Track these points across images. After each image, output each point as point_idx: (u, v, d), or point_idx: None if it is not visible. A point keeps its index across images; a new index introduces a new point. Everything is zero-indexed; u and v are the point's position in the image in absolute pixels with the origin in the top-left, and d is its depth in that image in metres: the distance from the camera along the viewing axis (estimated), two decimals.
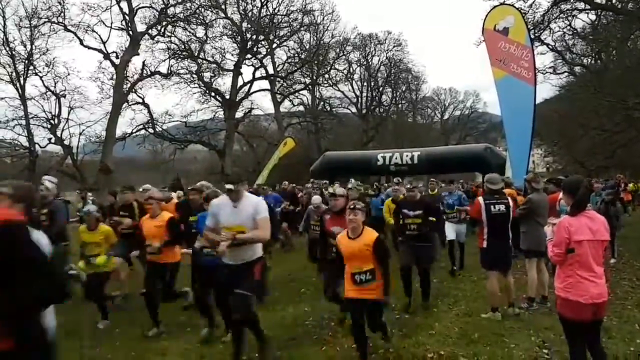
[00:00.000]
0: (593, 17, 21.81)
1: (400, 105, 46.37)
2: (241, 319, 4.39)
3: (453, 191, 9.45)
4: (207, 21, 29.53)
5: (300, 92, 37.20)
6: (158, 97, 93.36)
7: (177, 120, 30.88)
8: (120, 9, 26.29)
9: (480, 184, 17.54)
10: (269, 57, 34.74)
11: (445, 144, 38.42)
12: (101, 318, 6.11)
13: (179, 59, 29.77)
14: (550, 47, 23.32)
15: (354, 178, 19.92)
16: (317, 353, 4.89)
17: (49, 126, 26.16)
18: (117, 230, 6.76)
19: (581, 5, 19.52)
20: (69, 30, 25.70)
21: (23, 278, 2.06)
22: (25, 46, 25.26)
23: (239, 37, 31.36)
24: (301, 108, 38.62)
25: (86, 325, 5.76)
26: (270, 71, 34.98)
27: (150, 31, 27.76)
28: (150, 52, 28.76)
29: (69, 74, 26.14)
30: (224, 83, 37.50)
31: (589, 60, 25.82)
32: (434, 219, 6.52)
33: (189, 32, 29.36)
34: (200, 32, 29.63)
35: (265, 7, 32.18)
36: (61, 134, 26.38)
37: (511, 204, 5.95)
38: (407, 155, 19.26)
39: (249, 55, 32.54)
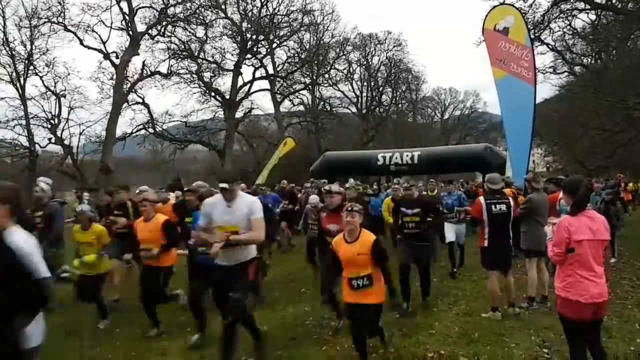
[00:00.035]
0: (593, 17, 21.83)
1: (400, 105, 46.36)
2: (235, 320, 4.29)
3: (452, 191, 9.39)
4: (207, 21, 29.56)
5: (300, 92, 37.25)
6: (158, 97, 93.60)
7: (177, 120, 30.93)
8: (120, 9, 26.32)
9: (480, 184, 17.58)
10: (269, 57, 34.76)
11: (446, 144, 38.46)
12: (101, 318, 6.08)
13: (179, 59, 29.79)
14: (550, 47, 23.36)
15: (354, 178, 20.00)
16: (317, 353, 4.89)
17: (49, 126, 26.17)
18: (111, 230, 6.69)
19: (581, 5, 19.52)
20: (69, 30, 25.73)
21: None
22: (25, 46, 25.30)
23: (239, 37, 31.37)
24: (301, 108, 38.66)
25: (86, 325, 5.75)
26: (270, 71, 35.00)
27: (150, 31, 27.77)
28: (150, 52, 28.83)
29: (69, 74, 26.20)
30: (224, 83, 37.67)
31: (589, 60, 25.82)
32: (432, 217, 6.50)
33: (189, 32, 29.41)
34: (200, 32, 29.69)
35: (265, 7, 32.23)
36: (61, 134, 26.42)
37: (512, 203, 5.95)
38: (407, 155, 19.27)
39: (249, 55, 32.55)
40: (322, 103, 38.64)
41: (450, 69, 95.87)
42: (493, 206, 5.80)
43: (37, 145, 25.98)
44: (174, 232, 5.85)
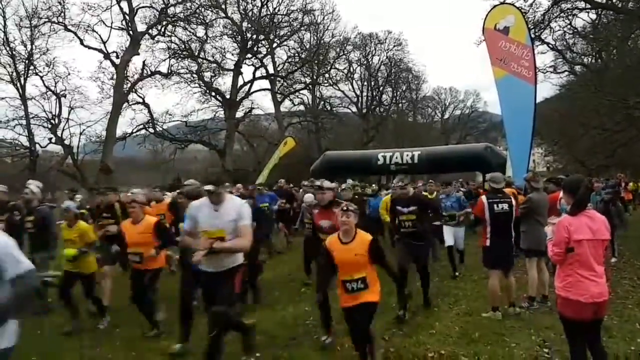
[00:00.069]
0: (593, 16, 21.84)
1: (400, 105, 46.38)
2: (219, 333, 4.07)
3: (450, 193, 8.97)
4: (207, 21, 29.61)
5: (301, 91, 37.30)
6: (158, 97, 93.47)
7: (178, 120, 31.01)
8: (121, 8, 26.37)
9: (481, 184, 17.58)
10: (269, 56, 34.80)
11: (446, 144, 38.43)
12: (100, 317, 6.05)
13: (179, 59, 29.87)
14: (550, 46, 23.38)
15: (354, 177, 20.02)
16: (317, 353, 4.89)
17: (49, 126, 26.23)
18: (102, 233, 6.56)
19: (581, 4, 19.54)
20: (69, 30, 25.81)
21: None
22: (25, 46, 25.40)
23: (239, 37, 31.39)
24: (301, 107, 38.71)
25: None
26: (271, 71, 35.05)
27: (150, 31, 27.81)
28: (150, 51, 28.91)
29: (69, 74, 26.34)
30: (224, 83, 37.60)
31: (590, 59, 25.83)
32: (431, 215, 6.44)
33: (189, 31, 29.49)
34: (200, 31, 29.75)
35: (265, 6, 32.28)
36: (61, 134, 26.49)
37: (514, 203, 5.94)
38: (407, 155, 19.30)
39: (249, 55, 32.60)
40: (322, 103, 38.68)
41: (450, 69, 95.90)
42: (495, 205, 5.80)
43: (37, 145, 26.13)
44: (167, 232, 5.77)
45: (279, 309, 6.61)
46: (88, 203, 9.89)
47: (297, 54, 35.74)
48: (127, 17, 26.60)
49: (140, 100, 28.70)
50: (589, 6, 19.69)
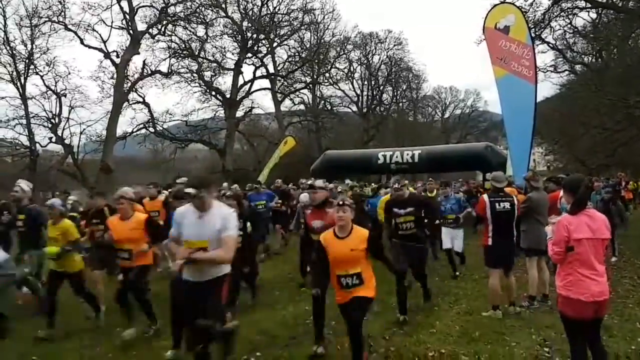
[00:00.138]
0: (594, 15, 21.84)
1: (400, 104, 46.39)
2: (205, 347, 3.79)
3: (449, 194, 8.72)
4: (207, 20, 29.56)
5: (301, 91, 37.24)
6: (158, 96, 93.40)
7: (178, 120, 30.95)
8: (121, 8, 26.34)
9: (481, 183, 17.58)
10: (269, 56, 34.76)
11: (446, 143, 38.43)
12: (95, 313, 6.02)
13: (180, 58, 29.81)
14: (551, 45, 23.34)
15: (355, 177, 20.02)
16: None
17: (49, 125, 26.18)
18: (93, 235, 6.45)
19: (582, 3, 19.54)
20: (70, 30, 25.76)
21: None
22: (25, 45, 25.35)
23: (240, 36, 31.36)
24: (302, 107, 38.69)
25: (85, 325, 5.76)
26: (271, 70, 35.01)
27: (150, 30, 27.78)
28: (150, 51, 28.86)
29: (69, 73, 26.23)
30: (225, 82, 37.66)
31: (590, 58, 25.82)
32: (429, 217, 6.22)
33: (190, 31, 29.43)
34: (200, 31, 29.70)
35: (265, 6, 32.23)
36: (62, 133, 26.44)
37: (516, 202, 5.94)
38: (407, 154, 19.29)
39: (249, 54, 32.56)
40: (322, 102, 38.66)
41: (450, 68, 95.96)
42: (497, 204, 5.79)
43: (37, 145, 26.08)
44: (158, 229, 5.68)
45: (279, 308, 6.61)
46: (82, 205, 9.77)
47: (297, 54, 35.72)
48: (127, 17, 26.59)
49: (141, 100, 28.69)
50: (590, 5, 19.69)
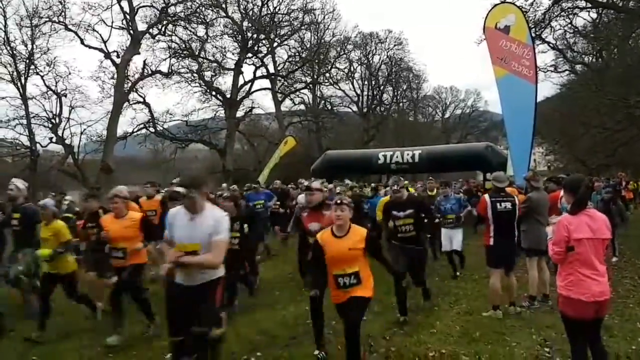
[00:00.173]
0: (594, 15, 21.84)
1: (401, 104, 46.40)
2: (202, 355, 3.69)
3: (448, 195, 8.60)
4: (207, 20, 29.57)
5: (301, 91, 37.24)
6: (159, 96, 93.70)
7: (178, 120, 30.97)
8: (121, 8, 26.35)
9: (481, 182, 17.58)
10: (269, 56, 34.77)
11: (446, 143, 38.42)
12: (93, 312, 6.01)
13: (180, 58, 29.82)
14: (551, 45, 23.33)
15: (355, 176, 20.01)
16: None
17: (50, 125, 26.20)
18: (88, 236, 6.38)
19: (582, 3, 19.52)
20: (70, 30, 25.77)
21: None
22: (26, 45, 25.37)
23: (240, 36, 31.36)
24: (302, 107, 38.69)
25: (85, 325, 5.75)
26: (271, 70, 35.02)
27: (151, 30, 27.79)
28: (151, 51, 28.89)
29: (70, 74, 26.27)
30: (225, 82, 37.63)
31: (590, 58, 25.81)
32: (427, 218, 6.12)
33: (190, 31, 29.43)
34: (201, 31, 29.71)
35: (266, 6, 32.24)
36: (62, 133, 26.45)
37: (517, 202, 5.94)
38: (408, 154, 19.28)
39: (249, 54, 32.57)
40: (323, 102, 38.67)
41: (451, 68, 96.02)
42: (498, 204, 5.79)
43: (38, 145, 26.09)
44: (153, 228, 5.64)
45: (279, 308, 6.61)
46: (77, 205, 9.73)
47: (297, 54, 35.72)
48: (128, 17, 26.60)
49: (141, 100, 28.71)
50: (590, 5, 19.68)
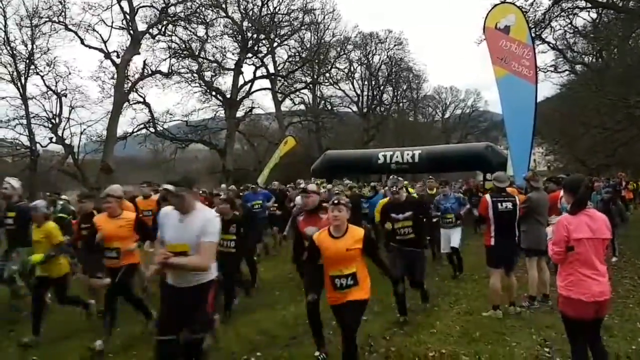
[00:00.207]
0: (594, 15, 21.84)
1: (401, 104, 46.36)
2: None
3: (448, 194, 8.58)
4: (207, 20, 29.56)
5: (301, 91, 37.22)
6: (159, 97, 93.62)
7: (178, 120, 30.97)
8: (121, 8, 26.34)
9: (480, 183, 17.58)
10: (269, 56, 34.76)
11: (446, 143, 38.40)
12: (87, 311, 6.00)
13: (180, 58, 29.82)
14: (551, 45, 23.34)
15: (355, 176, 20.02)
16: None
17: (50, 125, 26.18)
18: (81, 236, 6.27)
19: (582, 3, 19.53)
20: (70, 30, 25.76)
21: None
22: (26, 45, 25.34)
23: (240, 36, 31.36)
24: (302, 107, 38.67)
25: (85, 325, 5.75)
26: (271, 70, 35.01)
27: (151, 30, 27.79)
28: (151, 51, 28.87)
29: (70, 74, 26.23)
30: (225, 82, 37.64)
31: (590, 58, 25.82)
32: (424, 219, 6.07)
33: (190, 31, 29.42)
34: (201, 31, 29.70)
35: (265, 6, 32.23)
36: (62, 134, 26.42)
37: (518, 202, 5.94)
38: (408, 154, 19.29)
39: (249, 54, 32.56)
40: (323, 102, 38.66)
41: (451, 68, 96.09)
42: (499, 204, 5.80)
43: (38, 145, 26.07)
44: (148, 228, 5.57)
45: (279, 308, 6.61)
46: (73, 205, 9.67)
47: (297, 54, 35.72)
48: (128, 17, 26.59)
49: (141, 100, 28.71)
50: (590, 5, 19.69)
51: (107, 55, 26.74)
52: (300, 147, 29.84)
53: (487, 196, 6.01)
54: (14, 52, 24.99)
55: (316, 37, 35.95)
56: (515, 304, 5.97)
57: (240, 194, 10.98)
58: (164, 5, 27.41)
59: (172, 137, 31.13)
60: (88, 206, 6.53)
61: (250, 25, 31.80)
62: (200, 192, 11.18)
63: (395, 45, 40.49)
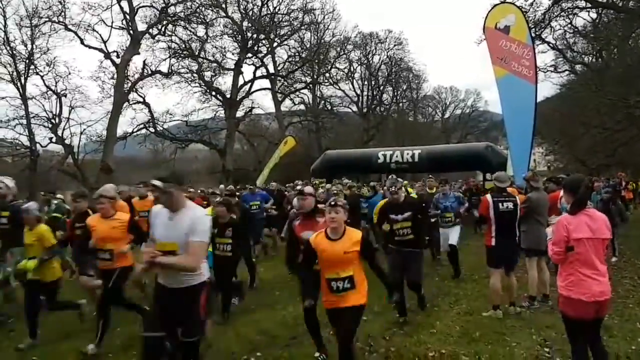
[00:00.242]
0: (594, 15, 21.86)
1: (401, 104, 46.40)
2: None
3: (447, 193, 8.57)
4: (207, 20, 29.62)
5: (301, 91, 37.31)
6: (159, 97, 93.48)
7: (178, 120, 31.06)
8: (121, 8, 26.39)
9: (480, 182, 17.58)
10: (269, 56, 34.82)
11: (446, 143, 38.40)
12: (80, 311, 5.92)
13: (180, 58, 29.88)
14: (551, 45, 23.36)
15: (354, 176, 20.03)
16: None
17: (50, 125, 26.24)
18: (75, 236, 6.13)
19: (582, 3, 19.54)
20: (70, 30, 25.83)
21: None
22: (26, 46, 25.42)
23: (240, 36, 31.39)
24: (302, 107, 38.75)
25: (85, 326, 5.74)
26: (271, 70, 35.07)
27: (150, 30, 27.83)
28: (150, 51, 28.99)
29: (69, 74, 26.34)
30: (225, 82, 37.71)
31: (590, 58, 25.84)
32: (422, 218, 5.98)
33: (190, 31, 29.51)
34: (200, 31, 29.78)
35: (265, 6, 32.30)
36: (62, 134, 26.50)
37: (518, 202, 5.94)
38: (408, 154, 19.30)
39: (249, 54, 32.61)
40: (322, 102, 38.70)
41: (451, 68, 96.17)
42: (500, 204, 5.79)
43: (38, 145, 26.14)
44: (141, 230, 5.48)
45: (279, 308, 6.60)
46: (69, 204, 9.64)
47: (297, 54, 35.77)
48: (128, 17, 26.64)
49: (141, 100, 28.77)
50: (590, 5, 19.69)
51: (107, 55, 26.80)
52: (300, 147, 29.85)
53: (488, 196, 6.01)
54: (14, 52, 25.07)
55: (316, 37, 36.04)
56: (515, 304, 5.97)
57: (237, 193, 10.94)
58: (163, 5, 27.48)
59: (172, 137, 31.17)
60: (82, 205, 6.37)
61: (250, 25, 31.83)
62: (199, 191, 11.22)
63: (395, 45, 40.62)
